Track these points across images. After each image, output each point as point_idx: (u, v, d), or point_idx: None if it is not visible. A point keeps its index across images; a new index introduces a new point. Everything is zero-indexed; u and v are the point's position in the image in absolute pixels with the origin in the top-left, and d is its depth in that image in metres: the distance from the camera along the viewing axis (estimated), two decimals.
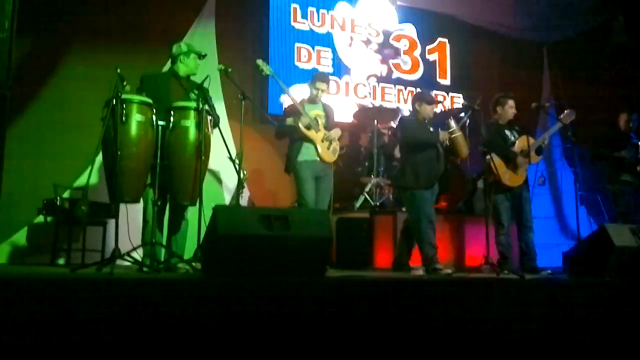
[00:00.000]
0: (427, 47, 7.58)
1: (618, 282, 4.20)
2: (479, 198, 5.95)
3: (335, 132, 5.02)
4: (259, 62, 4.94)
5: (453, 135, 4.92)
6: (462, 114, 5.67)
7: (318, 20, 6.89)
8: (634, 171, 5.79)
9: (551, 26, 7.87)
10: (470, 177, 6.16)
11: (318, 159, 4.90)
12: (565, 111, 5.56)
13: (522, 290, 3.89)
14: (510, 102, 5.47)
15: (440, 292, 3.64)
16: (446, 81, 7.59)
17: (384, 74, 7.07)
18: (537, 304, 3.51)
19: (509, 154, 5.28)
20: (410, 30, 7.49)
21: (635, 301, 3.74)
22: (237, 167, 4.23)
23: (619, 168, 5.87)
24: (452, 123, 4.95)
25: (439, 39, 7.66)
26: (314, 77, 5.11)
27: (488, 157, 5.18)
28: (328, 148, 4.95)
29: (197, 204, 3.90)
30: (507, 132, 5.44)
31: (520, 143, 5.37)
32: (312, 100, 5.05)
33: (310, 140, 4.88)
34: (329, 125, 5.03)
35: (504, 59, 8.01)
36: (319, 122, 4.93)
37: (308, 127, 4.83)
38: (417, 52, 7.51)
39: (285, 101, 5.99)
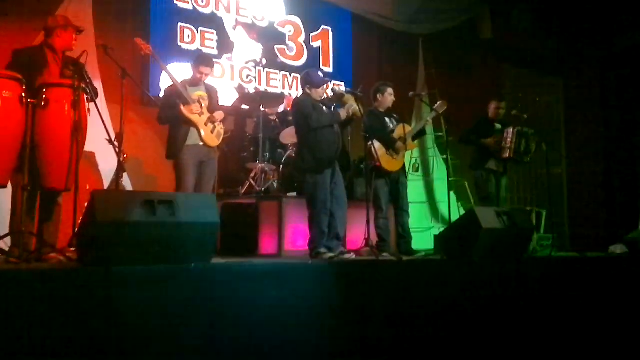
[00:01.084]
0: (311, 34, 7.65)
1: (485, 261, 4.55)
2: (359, 183, 6.15)
3: (219, 115, 4.88)
4: (138, 40, 4.71)
5: (352, 109, 4.99)
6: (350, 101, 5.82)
7: (202, 1, 6.70)
8: (499, 158, 6.16)
9: (427, 19, 8.25)
10: (352, 163, 6.35)
11: (201, 143, 4.76)
12: (439, 102, 5.93)
13: (401, 272, 4.10)
14: (390, 90, 5.72)
15: (321, 275, 3.75)
16: (329, 69, 7.71)
17: (264, 62, 7.03)
18: (415, 285, 3.72)
19: (389, 140, 5.51)
20: (295, 19, 7.51)
21: (500, 279, 4.08)
22: (116, 149, 4.03)
23: (484, 155, 6.21)
24: (347, 96, 5.04)
25: (323, 27, 7.76)
26: (197, 59, 4.95)
27: (369, 143, 5.37)
28: (212, 132, 4.82)
29: (72, 189, 3.69)
30: (387, 120, 5.68)
31: (398, 130, 5.63)
32: (195, 82, 4.90)
33: (194, 124, 4.74)
34: (213, 107, 4.88)
35: (383, 49, 8.28)
36: (202, 105, 4.79)
37: (191, 111, 4.69)
38: (301, 39, 7.55)
39: (166, 82, 5.79)
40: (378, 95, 5.72)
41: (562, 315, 3.80)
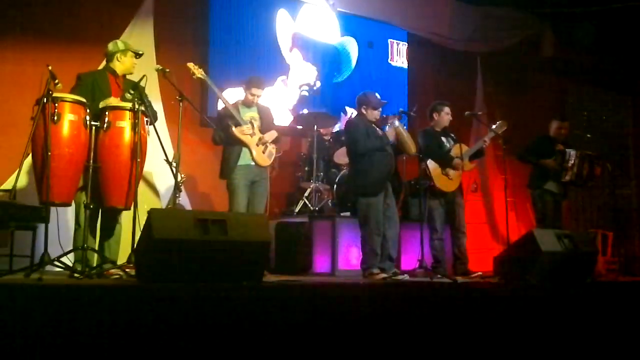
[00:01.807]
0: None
1: (544, 285, 4.39)
2: (414, 203, 6.08)
3: (270, 135, 4.97)
4: (190, 65, 4.87)
5: (396, 125, 4.95)
6: (396, 121, 5.79)
7: (262, 23, 6.86)
8: (558, 180, 5.94)
9: (485, 37, 8.15)
10: (406, 183, 6.29)
11: (253, 163, 4.86)
12: (498, 122, 5.77)
13: (454, 293, 4.01)
14: (446, 109, 5.63)
15: (376, 295, 3.71)
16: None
17: (317, 85, 7.09)
18: (467, 306, 3.62)
19: (445, 160, 5.42)
20: (351, 45, 7.52)
21: (559, 302, 3.92)
22: (173, 170, 4.16)
23: (542, 175, 6.01)
24: (396, 121, 5.01)
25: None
26: (249, 82, 5.04)
27: (424, 162, 5.32)
28: (263, 152, 4.92)
29: (132, 207, 3.82)
30: (443, 139, 5.59)
31: (455, 150, 5.53)
32: (247, 103, 5.02)
33: (245, 145, 4.84)
34: (265, 128, 4.98)
35: (438, 67, 8.22)
36: (254, 125, 4.89)
37: (243, 132, 4.80)
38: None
39: (220, 104, 5.95)
40: (434, 114, 5.65)
41: (624, 341, 3.62)
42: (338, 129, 6.58)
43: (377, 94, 5.43)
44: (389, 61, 7.86)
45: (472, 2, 8.02)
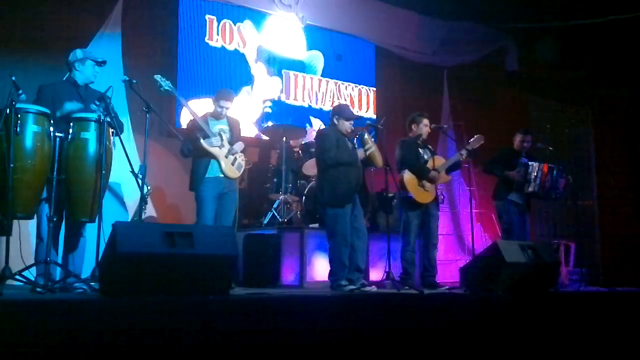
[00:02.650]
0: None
1: (508, 295, 4.46)
2: (382, 215, 6.13)
3: (239, 146, 4.97)
4: (157, 77, 4.84)
5: (369, 152, 5.00)
6: (366, 133, 5.84)
7: (227, 37, 6.84)
8: (522, 191, 6.03)
9: (451, 51, 8.28)
10: (374, 194, 6.34)
11: (222, 175, 4.84)
12: (475, 136, 5.81)
13: (421, 305, 4.05)
14: (425, 121, 5.66)
15: (343, 308, 3.72)
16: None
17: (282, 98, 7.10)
18: (433, 318, 3.67)
19: (423, 171, 5.45)
20: (317, 59, 7.52)
21: (523, 313, 3.99)
22: (139, 181, 4.12)
23: (507, 187, 6.10)
24: (366, 137, 5.05)
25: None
26: (218, 94, 5.04)
27: (401, 173, 5.36)
28: (233, 163, 4.90)
29: (97, 220, 3.77)
30: (421, 151, 5.62)
31: (432, 162, 5.58)
32: (216, 115, 5.01)
33: (214, 157, 4.83)
34: (234, 139, 4.99)
35: (406, 80, 8.32)
36: (223, 137, 4.89)
37: (210, 144, 4.79)
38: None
39: (186, 116, 5.92)
40: (413, 126, 5.67)
41: (587, 352, 3.70)
42: (307, 141, 6.60)
43: (350, 107, 5.45)
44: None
45: (439, 16, 8.15)
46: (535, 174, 5.97)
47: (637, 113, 9.35)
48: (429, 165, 5.54)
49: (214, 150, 4.79)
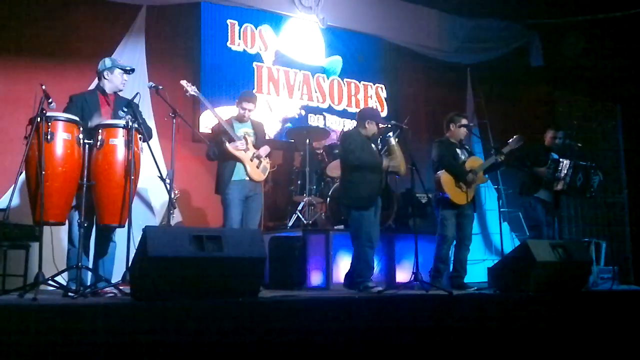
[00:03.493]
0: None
1: (540, 295, 4.39)
2: (410, 214, 6.08)
3: (264, 150, 5.01)
4: (183, 82, 4.89)
5: (392, 166, 4.94)
6: (391, 133, 5.80)
7: (249, 41, 6.87)
8: (551, 189, 5.92)
9: (474, 49, 8.21)
10: (399, 194, 6.30)
11: (247, 178, 4.89)
12: (514, 137, 5.66)
13: (451, 306, 4.01)
14: (462, 121, 5.55)
15: (372, 309, 3.70)
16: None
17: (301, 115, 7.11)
18: (464, 319, 3.63)
19: (460, 172, 5.38)
20: (337, 64, 7.48)
21: (555, 313, 3.93)
22: (167, 186, 4.15)
23: (535, 183, 5.96)
24: (392, 139, 5.02)
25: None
26: (240, 96, 5.10)
27: (438, 173, 5.31)
28: (257, 167, 4.94)
29: (126, 225, 3.81)
30: (458, 151, 5.54)
31: (470, 162, 5.50)
32: (240, 118, 5.04)
33: (239, 160, 4.86)
34: (259, 142, 5.03)
35: (428, 79, 8.27)
36: (248, 141, 4.92)
37: (237, 147, 4.82)
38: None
39: (209, 120, 5.94)
40: (451, 125, 5.56)
41: (620, 350, 3.63)
42: (330, 142, 6.60)
43: (379, 111, 5.39)
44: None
45: (460, 14, 8.09)
46: (566, 171, 5.83)
47: None
48: (468, 165, 5.46)
49: (240, 154, 4.83)
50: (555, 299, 4.27)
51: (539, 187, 5.94)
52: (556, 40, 8.63)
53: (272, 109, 6.90)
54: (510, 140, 5.64)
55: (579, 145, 6.06)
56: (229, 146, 4.78)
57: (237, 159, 4.85)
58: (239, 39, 6.78)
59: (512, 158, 6.12)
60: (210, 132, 5.20)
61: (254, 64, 6.84)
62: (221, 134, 4.84)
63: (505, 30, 8.35)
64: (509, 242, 7.10)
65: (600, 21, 8.00)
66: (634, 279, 7.92)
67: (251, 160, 4.89)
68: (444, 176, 5.32)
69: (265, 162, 5.00)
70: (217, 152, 4.88)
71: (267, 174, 5.03)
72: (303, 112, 7.13)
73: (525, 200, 6.07)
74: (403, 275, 5.82)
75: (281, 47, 7.07)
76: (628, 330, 3.90)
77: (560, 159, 5.92)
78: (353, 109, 7.39)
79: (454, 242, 5.49)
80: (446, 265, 5.41)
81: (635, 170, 9.09)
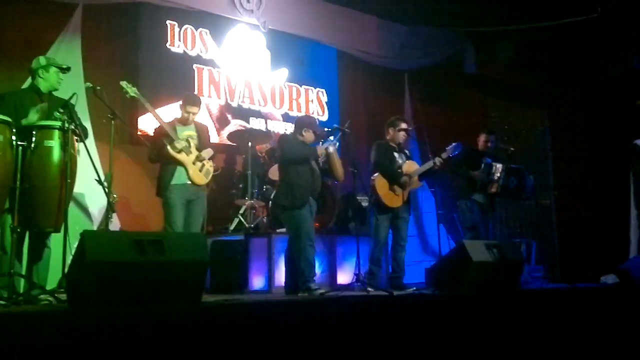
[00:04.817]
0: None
1: (476, 294, 4.55)
2: (351, 217, 6.17)
3: (207, 153, 4.95)
4: (123, 83, 4.77)
5: (329, 151, 5.02)
6: (332, 137, 5.86)
7: (189, 43, 6.77)
8: (485, 192, 6.15)
9: (411, 55, 8.40)
10: (340, 197, 6.38)
11: (189, 182, 4.82)
12: (453, 144, 5.85)
13: (392, 306, 4.09)
14: (401, 124, 5.69)
15: (314, 311, 3.73)
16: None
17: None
18: (404, 319, 3.71)
19: (394, 176, 5.49)
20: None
21: (491, 311, 4.08)
22: (105, 190, 4.05)
23: (471, 186, 6.20)
24: (330, 147, 5.07)
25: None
26: (184, 99, 5.03)
27: (373, 176, 5.40)
28: (200, 170, 4.87)
29: (62, 230, 3.68)
30: (396, 155, 5.67)
31: (406, 167, 5.62)
32: (184, 121, 4.97)
33: (181, 163, 4.79)
34: (202, 145, 4.96)
35: (367, 84, 8.40)
36: (191, 144, 4.85)
37: (179, 151, 4.75)
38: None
39: (150, 122, 5.82)
40: (390, 129, 5.69)
41: (551, 346, 3.80)
42: (272, 146, 6.59)
43: (317, 119, 5.46)
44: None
45: (399, 20, 8.26)
46: (499, 174, 6.07)
47: (593, 114, 9.66)
48: (405, 169, 5.59)
49: (181, 157, 4.75)
50: (491, 297, 4.42)
51: (474, 190, 6.17)
52: (489, 49, 8.96)
53: (213, 111, 6.83)
54: (448, 147, 5.81)
55: (512, 149, 6.31)
56: (170, 149, 4.70)
57: (178, 162, 4.77)
58: (179, 40, 6.68)
59: (448, 163, 6.32)
60: (152, 134, 5.09)
61: (195, 66, 6.76)
62: (162, 136, 4.75)
63: (440, 38, 8.58)
64: (445, 244, 7.29)
65: (530, 30, 8.36)
66: (561, 277, 8.31)
67: (193, 163, 4.82)
68: (378, 180, 5.45)
69: (209, 166, 4.94)
70: (158, 154, 4.79)
71: (210, 177, 4.96)
72: (245, 115, 7.08)
73: (462, 202, 6.29)
74: (344, 277, 5.89)
75: (223, 50, 7.01)
76: (558, 326, 4.09)
77: (493, 163, 6.15)
78: (294, 113, 7.41)
79: (390, 244, 5.63)
80: (379, 267, 5.54)
81: (562, 174, 9.55)
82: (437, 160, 5.66)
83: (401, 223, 5.59)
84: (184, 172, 4.78)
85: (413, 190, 8.10)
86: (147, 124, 6.00)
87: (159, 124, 4.85)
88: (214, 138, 6.65)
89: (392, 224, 5.56)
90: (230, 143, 6.63)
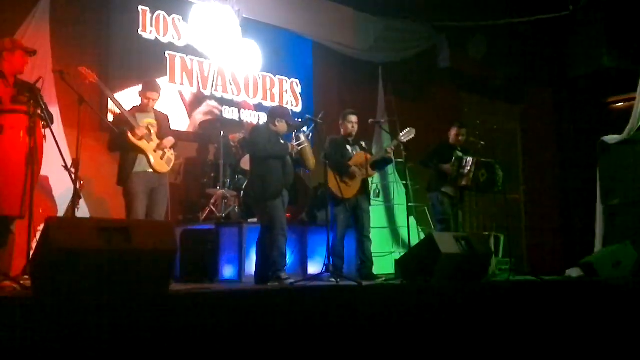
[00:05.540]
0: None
1: (443, 284, 4.60)
2: (320, 208, 6.18)
3: (168, 141, 4.91)
4: (82, 69, 4.66)
5: (301, 147, 5.06)
6: (305, 128, 5.88)
7: (161, 29, 6.67)
8: (456, 185, 6.23)
9: (386, 48, 8.42)
10: (312, 188, 6.39)
11: (151, 170, 4.78)
12: (406, 130, 5.94)
13: (360, 296, 4.11)
14: (351, 118, 5.78)
15: (283, 301, 3.73)
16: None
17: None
18: (373, 308, 3.73)
19: (341, 168, 5.56)
20: (253, 47, 7.43)
21: (458, 302, 4.13)
22: (72, 176, 3.98)
23: (441, 179, 6.28)
24: (301, 136, 5.11)
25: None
26: (144, 85, 4.95)
27: (326, 169, 5.44)
28: (162, 158, 4.84)
29: (27, 216, 3.61)
30: (349, 147, 5.73)
31: (356, 157, 5.69)
32: (144, 109, 4.91)
33: (142, 151, 4.74)
34: (163, 134, 4.92)
35: (342, 76, 8.40)
36: (152, 132, 4.80)
37: (140, 138, 4.69)
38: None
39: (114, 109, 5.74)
40: (340, 122, 5.80)
41: (518, 337, 3.87)
42: (245, 135, 6.55)
43: (290, 110, 5.46)
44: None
45: (374, 13, 8.27)
46: (469, 168, 6.14)
47: (561, 110, 9.83)
48: (355, 160, 5.64)
49: (142, 144, 4.70)
50: (458, 289, 4.48)
51: (445, 183, 6.24)
52: (462, 43, 9.03)
53: (185, 99, 6.75)
54: (402, 133, 5.89)
55: (482, 143, 6.38)
56: (131, 136, 4.64)
57: (140, 150, 4.72)
58: (151, 26, 6.58)
59: (424, 157, 6.38)
60: (112, 122, 5.02)
61: (167, 52, 6.67)
62: (122, 124, 4.68)
63: (415, 32, 8.62)
64: (416, 236, 7.36)
65: (503, 27, 8.45)
66: (528, 270, 8.45)
67: (155, 151, 4.78)
68: (329, 172, 5.51)
69: (170, 154, 4.91)
70: (118, 142, 4.71)
71: (171, 165, 4.93)
72: (217, 104, 7.02)
73: (433, 195, 6.37)
74: (314, 267, 5.90)
75: (195, 37, 6.92)
76: (524, 317, 4.16)
77: (464, 157, 6.22)
78: (268, 103, 7.38)
79: (356, 237, 5.68)
80: (341, 258, 5.59)
81: (531, 168, 9.71)
82: (388, 148, 5.79)
83: (361, 214, 5.67)
84: (145, 160, 4.74)
85: (385, 183, 8.25)
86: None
87: (119, 112, 4.77)
88: (185, 126, 6.60)
89: (353, 216, 5.61)
90: (202, 132, 6.56)
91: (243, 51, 7.24)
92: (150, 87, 4.90)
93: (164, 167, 4.85)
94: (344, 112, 5.89)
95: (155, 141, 4.80)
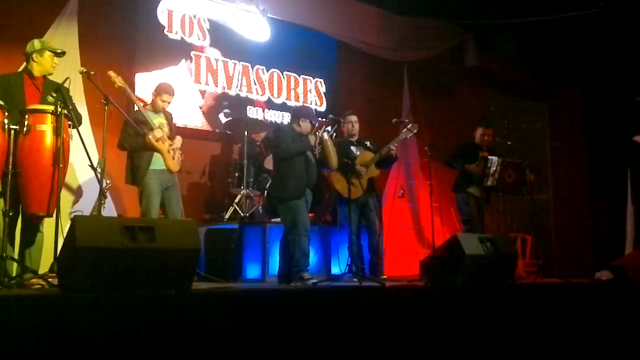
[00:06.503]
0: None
1: (468, 287, 4.54)
2: (338, 211, 6.16)
3: (179, 141, 5.02)
4: (111, 73, 4.72)
5: (324, 137, 5.05)
6: (329, 127, 5.87)
7: (187, 30, 6.73)
8: (481, 185, 6.15)
9: (411, 47, 8.36)
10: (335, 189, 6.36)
11: (166, 169, 4.85)
12: (409, 125, 5.91)
13: (382, 297, 4.09)
14: (350, 118, 5.79)
15: (306, 301, 3.73)
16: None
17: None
18: (396, 310, 3.71)
19: (345, 168, 5.53)
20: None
21: (482, 304, 4.08)
22: (98, 175, 4.03)
23: (467, 179, 6.22)
24: (325, 134, 5.11)
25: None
26: (160, 88, 5.00)
27: (330, 172, 5.46)
28: (173, 158, 4.92)
29: (54, 214, 3.67)
30: (353, 148, 5.72)
31: (360, 157, 5.66)
32: (156, 109, 4.97)
33: (158, 151, 4.81)
34: (172, 133, 5.00)
35: (367, 75, 8.36)
36: (164, 132, 4.87)
37: (157, 139, 4.76)
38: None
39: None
40: (342, 124, 5.80)
41: (544, 341, 3.81)
42: (267, 134, 6.58)
43: (313, 110, 5.47)
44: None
45: (399, 12, 8.22)
46: (495, 168, 6.05)
47: (591, 109, 9.62)
48: (360, 160, 5.65)
49: (159, 145, 4.77)
50: (483, 291, 4.42)
51: (471, 183, 6.17)
52: (490, 41, 8.91)
53: (207, 99, 6.80)
54: (403, 130, 5.85)
55: (509, 143, 6.29)
56: (151, 137, 4.71)
57: (156, 150, 4.79)
58: (177, 27, 6.64)
59: (449, 157, 6.32)
60: (126, 122, 5.09)
61: (192, 53, 6.73)
62: (142, 125, 4.75)
63: (441, 30, 8.53)
64: (440, 236, 7.30)
65: (531, 24, 8.32)
66: (556, 272, 8.31)
67: (168, 151, 4.85)
68: (334, 175, 5.49)
69: (178, 154, 5.00)
70: (135, 143, 4.76)
71: (179, 165, 5.02)
72: (242, 104, 7.05)
73: (458, 195, 6.30)
74: (338, 268, 5.88)
75: (221, 37, 6.96)
76: (550, 322, 4.09)
77: (489, 157, 6.14)
78: (292, 103, 7.39)
79: (366, 233, 5.68)
80: (358, 259, 5.56)
81: (560, 169, 9.54)
82: (392, 145, 5.74)
83: (368, 211, 5.68)
84: (160, 159, 4.82)
85: (410, 183, 8.19)
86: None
87: (137, 110, 4.85)
88: (209, 125, 6.64)
89: (361, 214, 5.61)
90: (226, 132, 6.61)
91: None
92: (167, 91, 4.97)
93: (175, 167, 4.95)
94: (344, 113, 5.90)
95: (168, 141, 4.88)
